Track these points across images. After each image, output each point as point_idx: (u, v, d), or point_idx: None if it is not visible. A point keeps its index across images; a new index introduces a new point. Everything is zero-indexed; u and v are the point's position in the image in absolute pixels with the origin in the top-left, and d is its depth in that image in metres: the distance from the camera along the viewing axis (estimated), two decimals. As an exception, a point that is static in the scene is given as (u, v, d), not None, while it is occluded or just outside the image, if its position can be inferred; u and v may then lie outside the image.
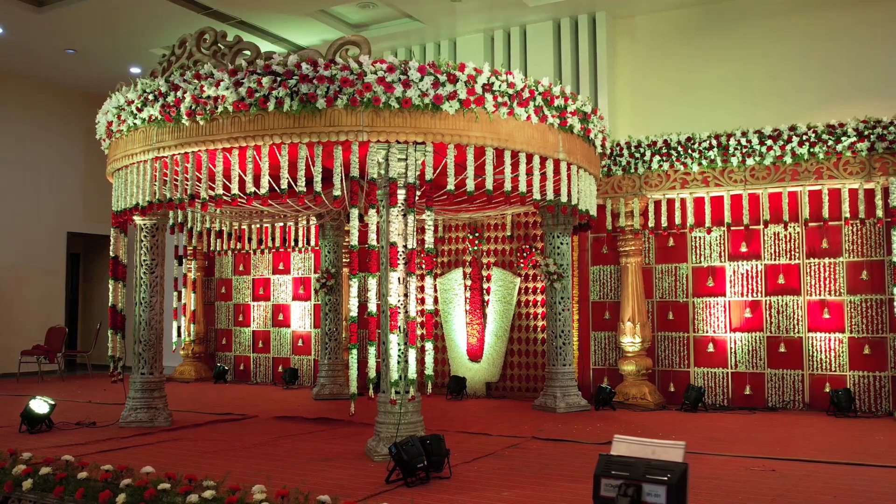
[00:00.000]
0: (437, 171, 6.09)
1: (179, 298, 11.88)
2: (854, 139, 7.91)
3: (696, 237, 8.95)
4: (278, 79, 5.75)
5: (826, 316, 8.33)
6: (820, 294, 8.38)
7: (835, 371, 8.25)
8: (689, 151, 8.58)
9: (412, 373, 5.86)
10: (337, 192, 5.91)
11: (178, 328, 11.77)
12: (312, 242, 10.93)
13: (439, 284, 10.37)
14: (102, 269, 15.21)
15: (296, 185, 6.03)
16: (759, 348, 8.61)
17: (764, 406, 8.49)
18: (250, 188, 5.98)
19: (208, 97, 5.90)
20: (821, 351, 8.33)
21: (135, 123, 6.40)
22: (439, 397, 9.72)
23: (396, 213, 5.84)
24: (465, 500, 4.58)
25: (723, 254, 8.84)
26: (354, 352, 5.88)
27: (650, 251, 9.14)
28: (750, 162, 8.34)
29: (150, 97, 6.22)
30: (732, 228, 8.65)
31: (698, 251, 8.95)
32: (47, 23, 10.82)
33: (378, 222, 5.87)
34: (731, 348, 8.75)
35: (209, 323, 12.33)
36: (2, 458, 5.11)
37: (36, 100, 13.65)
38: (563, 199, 6.80)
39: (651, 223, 8.92)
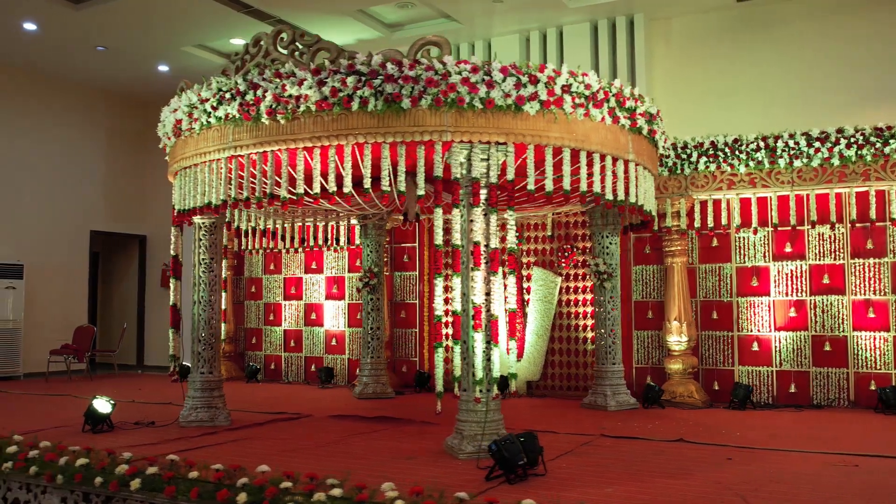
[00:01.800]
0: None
1: None
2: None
3: (739, 237, 9.06)
4: (363, 78, 5.78)
5: (871, 315, 8.47)
6: (865, 294, 8.51)
7: (880, 369, 8.40)
8: (737, 153, 8.69)
9: (496, 371, 5.91)
10: (421, 192, 5.94)
11: None
12: (346, 242, 10.97)
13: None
14: (121, 268, 15.15)
15: (376, 183, 6.07)
16: (803, 347, 8.73)
17: (809, 404, 8.62)
18: (332, 187, 6.01)
19: (290, 96, 5.91)
20: (866, 349, 8.46)
21: (209, 122, 6.39)
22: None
23: (479, 212, 5.89)
24: (573, 496, 4.62)
25: (767, 254, 8.96)
26: (440, 350, 5.92)
27: (693, 251, 9.25)
28: (797, 164, 8.46)
29: (228, 95, 6.22)
30: (779, 229, 8.76)
31: (742, 251, 9.07)
32: (82, 19, 10.75)
33: (461, 222, 5.92)
34: (775, 347, 8.87)
35: (238, 322, 12.30)
36: (99, 457, 5.10)
37: (59, 97, 13.55)
38: (632, 199, 6.87)
39: (697, 223, 9.02)
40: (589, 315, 9.80)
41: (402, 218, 8.47)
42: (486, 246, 5.93)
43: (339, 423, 7.66)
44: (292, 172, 6.39)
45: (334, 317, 11.55)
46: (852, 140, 8.23)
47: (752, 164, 8.65)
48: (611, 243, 8.75)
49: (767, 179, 8.62)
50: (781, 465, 5.53)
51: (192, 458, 5.27)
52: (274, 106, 5.97)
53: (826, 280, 8.68)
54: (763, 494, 4.62)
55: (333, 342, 11.53)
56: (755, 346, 8.95)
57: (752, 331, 8.99)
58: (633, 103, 6.70)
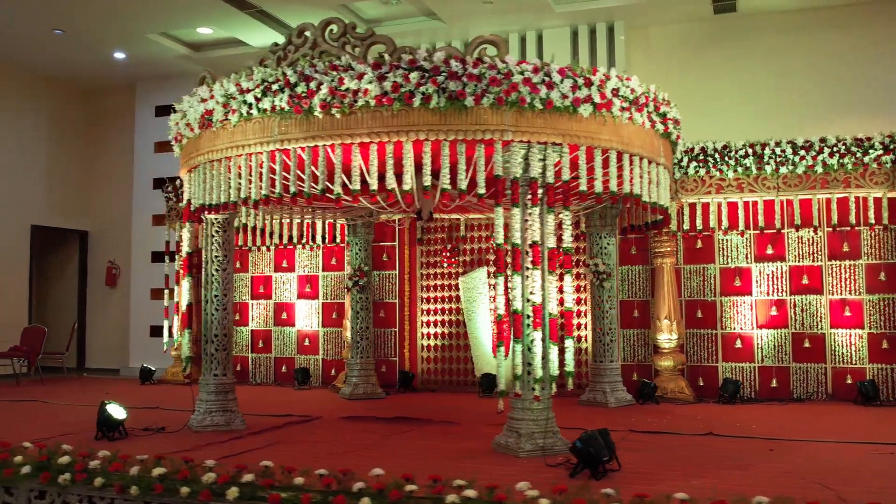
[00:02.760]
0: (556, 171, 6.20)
1: (171, 296, 11.47)
2: (880, 152, 8.64)
3: (723, 239, 9.47)
4: (426, 74, 5.72)
5: (847, 314, 9.04)
6: (841, 294, 9.08)
7: (855, 364, 8.97)
8: (726, 158, 9.09)
9: (554, 369, 5.97)
10: (481, 190, 5.93)
11: (170, 328, 11.38)
12: (322, 240, 10.77)
13: (463, 283, 10.46)
14: (58, 266, 14.27)
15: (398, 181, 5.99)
16: (784, 344, 9.22)
17: (789, 397, 9.10)
18: (391, 184, 5.91)
19: (347, 90, 5.77)
20: (842, 346, 9.02)
21: (250, 113, 6.15)
22: (468, 395, 9.82)
23: (538, 212, 5.94)
24: (665, 489, 4.68)
25: (749, 255, 9.40)
26: (502, 349, 5.91)
27: (679, 252, 9.59)
28: (783, 170, 8.93)
29: (275, 87, 6.00)
30: (765, 232, 9.21)
31: (725, 253, 9.48)
32: (43, 1, 10.09)
33: (519, 221, 5.95)
34: (757, 344, 9.32)
35: (200, 322, 11.80)
36: (175, 465, 4.82)
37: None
38: (662, 201, 7.07)
39: (686, 226, 9.37)
40: (575, 314, 9.99)
41: (415, 216, 8.39)
42: (544, 245, 5.97)
43: (359, 425, 7.53)
44: (325, 168, 6.22)
45: (307, 316, 11.30)
46: (834, 149, 8.76)
47: (740, 169, 9.07)
48: (608, 244, 8.97)
49: (754, 185, 9.06)
50: (824, 455, 5.84)
51: (240, 462, 5.06)
52: (329, 99, 5.80)
53: (805, 281, 9.19)
54: (836, 482, 4.85)
55: (306, 342, 11.28)
56: (738, 344, 9.38)
57: (735, 329, 9.41)
58: (665, 108, 6.90)
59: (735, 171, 9.09)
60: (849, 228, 8.93)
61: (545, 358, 5.96)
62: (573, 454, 5.24)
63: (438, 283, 10.63)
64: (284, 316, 11.41)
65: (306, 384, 10.80)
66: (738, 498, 4.04)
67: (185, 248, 7.23)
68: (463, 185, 5.93)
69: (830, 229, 9.00)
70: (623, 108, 6.29)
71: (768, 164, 8.98)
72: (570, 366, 6.07)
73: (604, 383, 8.83)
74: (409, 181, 5.83)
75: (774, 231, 9.19)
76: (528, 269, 5.92)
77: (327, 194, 6.10)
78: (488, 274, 10.33)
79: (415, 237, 10.74)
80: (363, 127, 5.83)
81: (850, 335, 9.02)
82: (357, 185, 6.01)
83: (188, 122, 6.75)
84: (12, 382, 11.26)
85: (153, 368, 11.41)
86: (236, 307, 11.70)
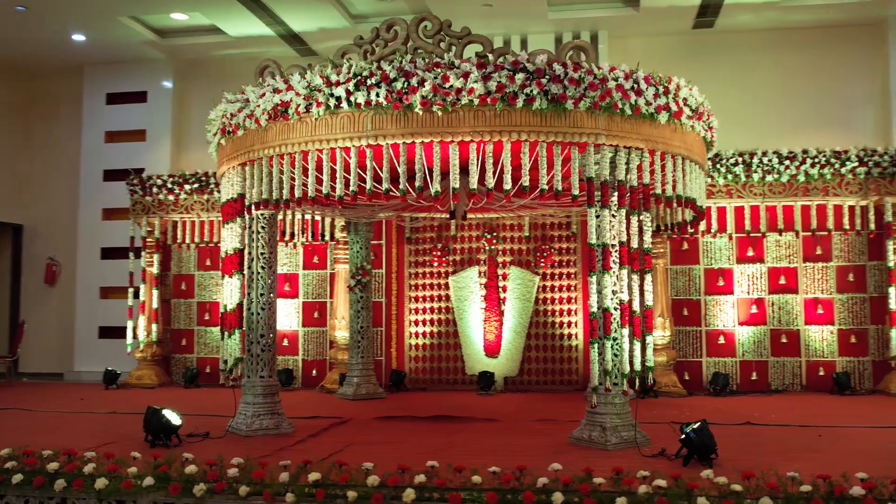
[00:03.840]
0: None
1: (137, 295, 10.90)
2: (856, 164, 9.48)
3: (707, 242, 10.07)
4: (530, 76, 5.81)
5: (819, 311, 9.85)
6: (814, 293, 9.88)
7: (827, 357, 9.79)
8: (717, 166, 9.67)
9: (638, 365, 6.19)
10: (576, 192, 6.07)
11: (135, 328, 10.82)
12: (303, 238, 10.53)
13: (453, 282, 10.53)
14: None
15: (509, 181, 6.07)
16: (763, 339, 9.93)
17: (768, 389, 9.82)
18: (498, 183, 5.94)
19: (450, 87, 5.76)
20: (815, 341, 9.83)
21: (338, 107, 5.99)
22: (463, 393, 9.92)
23: (623, 214, 6.15)
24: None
25: (731, 257, 10.05)
26: (596, 346, 6.07)
27: (666, 254, 10.10)
28: (769, 178, 9.62)
29: (371, 81, 5.88)
30: (751, 235, 9.87)
31: (710, 254, 10.09)
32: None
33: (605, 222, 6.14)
34: (738, 340, 9.98)
35: (165, 323, 11.25)
36: (326, 469, 4.66)
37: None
38: (703, 203, 7.46)
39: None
40: (566, 313, 10.32)
41: (448, 217, 8.38)
42: (629, 246, 6.19)
43: (401, 424, 7.47)
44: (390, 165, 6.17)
45: (286, 316, 10.98)
46: (815, 160, 9.53)
47: (729, 176, 9.68)
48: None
49: (742, 191, 9.70)
50: (870, 438, 6.41)
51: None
52: (431, 97, 5.77)
53: (782, 281, 9.93)
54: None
55: (285, 342, 10.97)
56: (721, 340, 10.01)
57: (718, 326, 10.04)
58: (707, 117, 7.29)
59: (725, 178, 9.69)
60: (826, 233, 9.74)
61: (631, 354, 6.17)
62: (685, 444, 5.47)
63: (427, 282, 10.65)
64: (260, 315, 11.03)
65: (290, 386, 10.52)
66: (841, 474, 4.36)
67: (231, 246, 6.88)
68: (541, 185, 6.05)
69: (809, 234, 9.77)
70: (689, 117, 6.62)
71: (756, 172, 9.64)
72: (650, 361, 6.32)
73: (610, 379, 9.16)
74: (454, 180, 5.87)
75: (760, 235, 9.86)
76: (617, 268, 6.11)
77: (438, 190, 6.06)
78: (479, 273, 10.46)
79: (403, 236, 10.70)
80: (465, 125, 5.84)
81: (822, 331, 9.83)
82: (419, 183, 5.94)
83: (250, 112, 6.46)
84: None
85: (118, 372, 10.73)
86: (205, 306, 11.23)
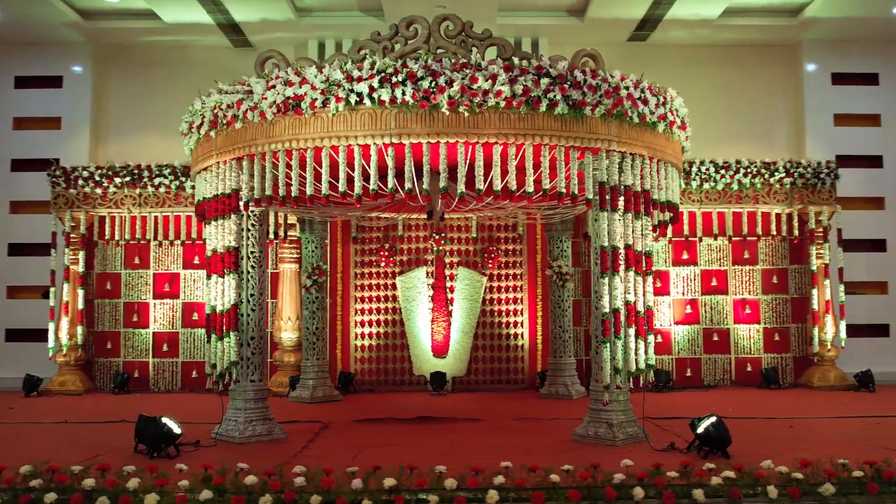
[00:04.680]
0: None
1: (46, 295, 10.23)
2: (783, 175, 10.24)
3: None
4: (554, 82, 5.91)
5: (747, 311, 10.56)
6: (742, 294, 10.58)
7: (754, 354, 10.52)
8: (660, 173, 10.15)
9: (642, 363, 6.43)
10: (589, 195, 6.22)
11: (57, 330, 10.13)
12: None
13: (401, 283, 10.47)
14: None
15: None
16: (696, 338, 10.53)
17: (701, 384, 10.42)
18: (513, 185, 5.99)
19: (478, 88, 5.78)
20: (743, 339, 10.53)
21: (359, 103, 5.84)
22: (414, 394, 9.90)
23: (631, 217, 6.38)
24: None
25: (667, 260, 10.59)
26: (608, 346, 6.24)
27: (609, 256, 10.49)
28: (706, 186, 10.22)
29: (396, 78, 5.78)
30: (689, 239, 10.43)
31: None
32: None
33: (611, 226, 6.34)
34: (674, 339, 10.53)
35: (88, 325, 10.48)
36: (340, 481, 4.52)
37: None
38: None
39: (622, 232, 10.29)
40: (512, 313, 10.50)
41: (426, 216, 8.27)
42: (633, 248, 6.41)
43: (384, 427, 7.37)
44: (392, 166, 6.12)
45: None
46: (748, 170, 10.21)
47: (671, 183, 10.19)
48: (567, 248, 9.59)
49: (682, 198, 10.23)
50: (839, 429, 6.98)
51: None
52: (459, 97, 5.76)
53: (714, 283, 10.57)
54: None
55: (222, 345, 10.49)
56: (658, 339, 10.51)
57: (655, 325, 10.52)
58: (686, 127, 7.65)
59: (666, 184, 10.18)
60: (755, 238, 10.44)
61: (636, 352, 6.40)
62: (703, 438, 5.74)
63: (374, 282, 10.52)
64: (195, 317, 10.52)
65: (224, 391, 10.05)
66: (882, 459, 4.78)
67: (223, 244, 6.55)
68: (528, 188, 6.18)
69: (739, 238, 10.43)
70: (678, 126, 6.95)
71: (694, 179, 10.20)
72: (651, 359, 6.58)
73: (564, 377, 9.43)
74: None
75: (696, 239, 10.44)
76: (626, 270, 6.32)
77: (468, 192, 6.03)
78: (427, 274, 10.46)
79: (349, 235, 10.52)
80: (491, 127, 5.87)
81: (750, 330, 10.55)
82: (498, 184, 5.96)
83: (254, 105, 6.17)
84: None
85: (41, 378, 9.91)
86: (133, 307, 10.57)
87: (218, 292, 6.60)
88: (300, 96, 5.99)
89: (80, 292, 10.18)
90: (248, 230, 6.73)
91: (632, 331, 6.34)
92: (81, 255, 10.22)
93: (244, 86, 6.34)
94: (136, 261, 10.59)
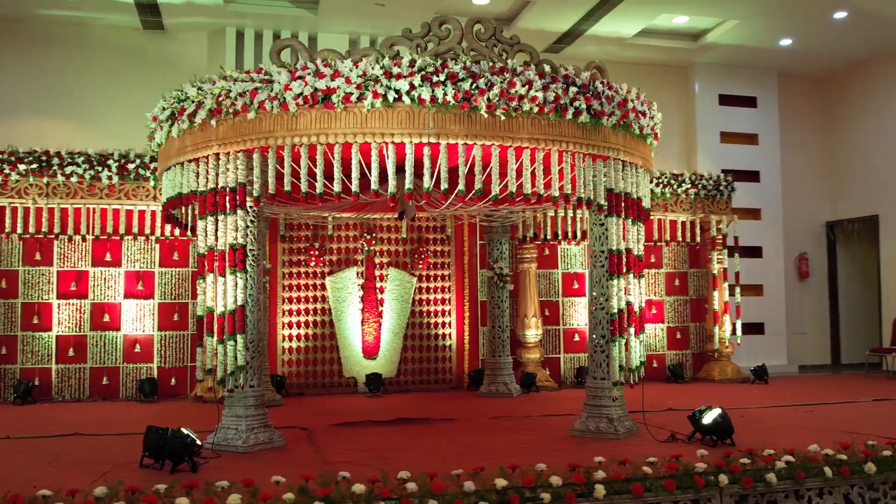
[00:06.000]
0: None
1: None
2: (689, 185, 11.14)
3: (564, 248, 11.08)
4: (580, 90, 6.15)
5: (653, 311, 11.38)
6: (649, 296, 11.38)
7: (659, 351, 11.36)
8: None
9: (635, 361, 6.80)
10: (602, 202, 6.50)
11: None
12: (159, 233, 9.60)
13: (331, 283, 10.26)
14: None
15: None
16: (610, 337, 11.17)
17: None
18: (541, 189, 6.14)
19: (515, 93, 5.89)
20: (650, 337, 11.33)
21: (398, 100, 5.74)
22: (349, 396, 9.78)
23: (632, 223, 6.75)
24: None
25: (583, 263, 11.16)
26: (617, 344, 6.55)
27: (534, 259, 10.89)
28: (624, 194, 10.88)
29: (437, 77, 5.74)
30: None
31: (566, 260, 11.10)
32: None
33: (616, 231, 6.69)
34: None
35: (-18, 327, 9.34)
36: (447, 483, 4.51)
37: None
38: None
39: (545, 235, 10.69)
40: (440, 314, 10.62)
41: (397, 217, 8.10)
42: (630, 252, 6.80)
43: (367, 430, 7.24)
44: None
45: (137, 319, 9.76)
46: (660, 181, 11.00)
47: (593, 190, 10.76)
48: (506, 249, 9.87)
49: (602, 204, 10.83)
50: (784, 417, 7.77)
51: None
52: (497, 100, 5.84)
53: (625, 285, 11.27)
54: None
55: (137, 348, 9.74)
56: (576, 338, 11.06)
57: (573, 325, 11.08)
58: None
59: (589, 191, 10.74)
60: (663, 244, 11.27)
61: (636, 351, 6.78)
62: (711, 429, 6.19)
63: (302, 282, 10.22)
64: (106, 318, 9.68)
65: (154, 398, 9.37)
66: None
67: (229, 240, 6.15)
68: (578, 194, 6.43)
69: (650, 244, 11.20)
70: (655, 137, 7.42)
71: (614, 187, 10.82)
72: (643, 357, 6.98)
73: (504, 376, 9.70)
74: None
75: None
76: (627, 273, 6.68)
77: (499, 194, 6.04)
78: (357, 274, 10.33)
79: (276, 234, 10.14)
80: (524, 132, 5.99)
81: (656, 329, 11.38)
82: (514, 187, 6.07)
83: (274, 95, 5.87)
84: None
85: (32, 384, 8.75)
86: (32, 308, 9.55)
87: (218, 292, 6.19)
88: (332, 89, 5.79)
89: (-25, 292, 9.07)
90: (248, 227, 6.38)
91: (631, 329, 6.71)
92: (-24, 249, 9.11)
93: (260, 73, 6.00)
94: (37, 257, 9.56)
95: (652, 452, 5.31)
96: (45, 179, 9.29)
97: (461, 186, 5.93)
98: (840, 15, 10.83)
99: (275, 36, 11.03)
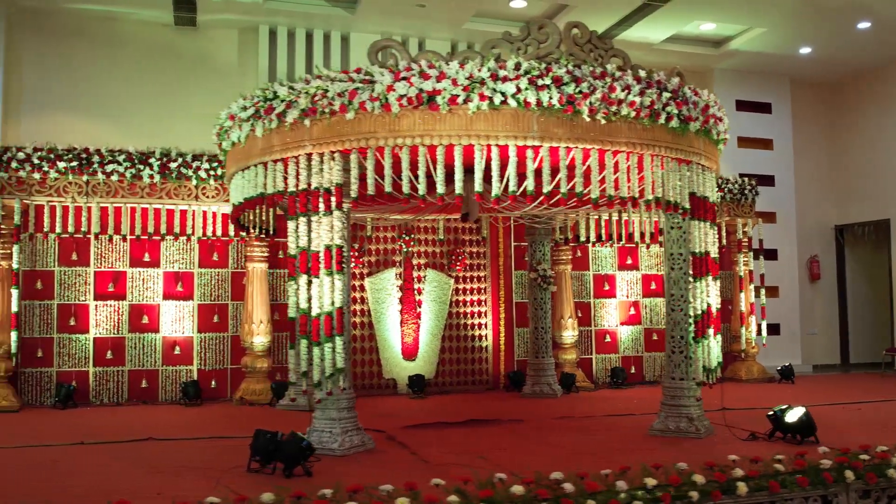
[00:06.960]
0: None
1: None
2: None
3: (595, 250, 11.18)
4: (671, 96, 6.25)
5: (631, 312, 11.44)
6: (628, 297, 11.44)
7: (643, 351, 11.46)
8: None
9: (714, 360, 6.91)
10: (686, 205, 6.59)
11: None
12: (201, 233, 9.47)
13: (371, 284, 10.21)
14: None
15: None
16: (639, 337, 11.33)
17: (643, 380, 11.22)
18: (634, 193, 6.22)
19: (615, 98, 5.95)
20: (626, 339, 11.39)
21: (504, 103, 5.74)
22: (391, 397, 9.76)
23: (710, 226, 6.88)
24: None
25: (614, 264, 11.29)
26: (702, 344, 6.64)
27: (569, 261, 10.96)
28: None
29: (542, 81, 5.77)
30: (619, 245, 11.10)
31: (598, 262, 11.21)
32: None
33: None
34: (619, 338, 11.25)
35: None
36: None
37: None
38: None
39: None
40: (477, 315, 10.64)
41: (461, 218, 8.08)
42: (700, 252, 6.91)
43: (440, 432, 7.21)
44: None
45: (177, 320, 9.58)
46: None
47: (626, 193, 10.89)
48: (548, 251, 9.92)
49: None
50: (838, 416, 7.96)
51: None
52: (598, 105, 5.89)
53: (653, 286, 11.44)
54: None
55: (176, 351, 9.56)
56: (607, 339, 11.18)
57: (604, 325, 11.20)
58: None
59: (622, 194, 10.87)
60: (633, 245, 11.24)
61: (712, 351, 6.89)
62: (797, 427, 6.33)
63: (341, 283, 10.13)
64: (145, 320, 9.48)
65: (198, 401, 9.21)
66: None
67: (326, 241, 6.05)
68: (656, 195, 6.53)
69: (620, 244, 11.08)
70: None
71: (645, 190, 10.96)
72: (720, 357, 7.08)
73: (547, 377, 9.77)
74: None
75: (634, 245, 11.21)
76: (706, 275, 6.80)
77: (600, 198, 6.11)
78: (396, 275, 10.30)
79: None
80: (622, 136, 6.06)
81: (631, 330, 11.40)
82: (612, 191, 6.15)
83: (375, 95, 5.83)
84: None
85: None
86: (69, 310, 9.31)
87: (313, 294, 6.11)
88: (437, 91, 5.78)
89: (15, 292, 8.80)
90: (344, 228, 6.32)
91: (710, 330, 6.82)
92: (16, 249, 8.84)
93: (359, 73, 5.96)
94: (74, 257, 9.32)
95: (738, 451, 5.39)
96: (84, 177, 9.07)
97: (547, 188, 5.96)
98: (864, 25, 11.14)
99: (307, 35, 10.96)
